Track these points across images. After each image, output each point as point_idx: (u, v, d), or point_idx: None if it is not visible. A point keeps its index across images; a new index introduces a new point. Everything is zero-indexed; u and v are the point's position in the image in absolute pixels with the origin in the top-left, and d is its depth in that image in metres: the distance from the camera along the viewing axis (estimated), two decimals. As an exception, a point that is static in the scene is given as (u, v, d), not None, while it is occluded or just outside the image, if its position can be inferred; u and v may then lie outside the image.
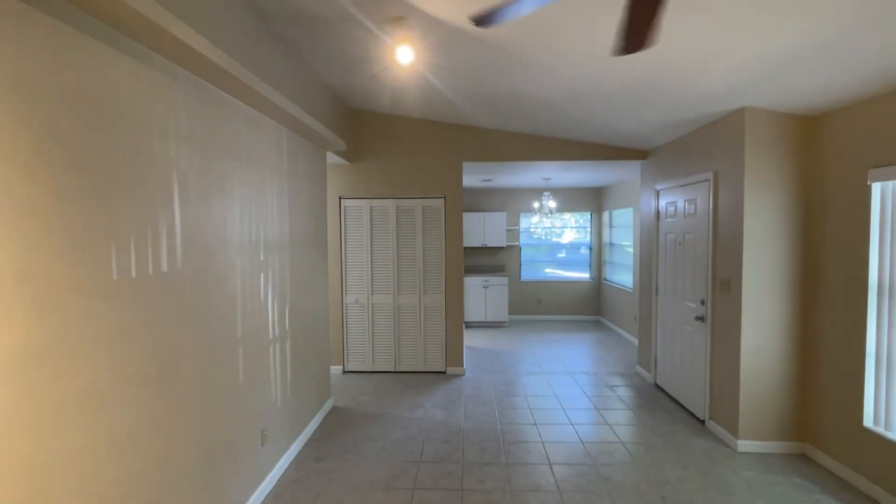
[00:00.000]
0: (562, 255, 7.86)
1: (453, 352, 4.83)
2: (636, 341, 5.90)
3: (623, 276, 6.77)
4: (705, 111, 3.20)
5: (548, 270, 7.86)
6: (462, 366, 4.83)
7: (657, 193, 4.36)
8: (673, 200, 4.05)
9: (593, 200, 7.59)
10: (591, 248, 7.71)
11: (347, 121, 4.58)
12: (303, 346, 3.25)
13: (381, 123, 4.66)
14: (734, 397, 3.12)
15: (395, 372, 4.87)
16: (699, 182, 3.57)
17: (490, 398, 4.12)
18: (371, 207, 4.78)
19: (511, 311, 7.70)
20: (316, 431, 3.44)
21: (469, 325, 7.20)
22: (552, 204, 6.19)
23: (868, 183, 2.55)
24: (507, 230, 7.64)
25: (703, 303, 3.52)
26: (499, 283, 7.11)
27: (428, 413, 3.78)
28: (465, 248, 7.55)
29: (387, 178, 4.74)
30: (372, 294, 4.82)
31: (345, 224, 4.79)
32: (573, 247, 7.83)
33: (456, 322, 4.82)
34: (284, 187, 2.97)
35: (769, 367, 3.07)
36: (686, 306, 3.79)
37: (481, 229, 7.36)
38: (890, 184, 2.46)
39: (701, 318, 3.52)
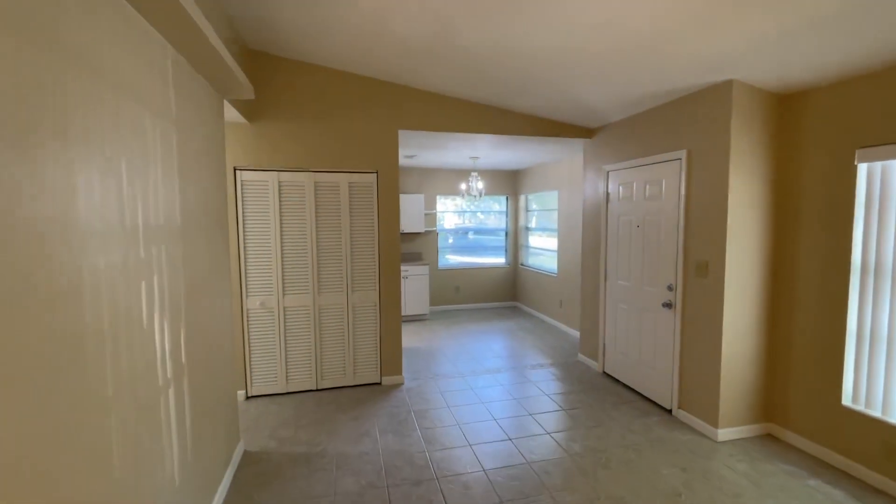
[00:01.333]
0: (471, 237, 7.52)
1: (390, 358, 4.05)
2: (564, 327, 5.82)
3: (541, 260, 6.69)
4: (685, 83, 2.95)
5: (463, 257, 7.44)
6: (401, 373, 4.09)
7: (606, 175, 4.15)
8: (628, 181, 3.85)
9: (509, 184, 7.37)
10: (507, 233, 7.51)
11: (250, 65, 3.40)
12: (204, 381, 2.19)
13: (295, 73, 3.58)
14: (712, 386, 3.01)
15: (317, 390, 3.91)
16: (666, 162, 3.38)
17: (445, 412, 3.49)
18: (280, 183, 3.69)
19: (430, 302, 7.12)
20: (227, 500, 2.41)
21: (386, 321, 6.42)
22: (481, 185, 5.72)
23: (855, 163, 2.52)
24: (425, 214, 6.99)
25: (670, 288, 3.36)
26: (419, 273, 6.45)
27: (378, 443, 2.99)
28: None
29: (302, 146, 3.68)
30: (283, 295, 3.76)
31: (243, 204, 3.62)
32: (489, 231, 7.54)
33: (393, 322, 4.05)
34: (172, 140, 1.87)
35: (744, 352, 3.01)
36: (647, 292, 3.63)
37: (401, 213, 6.56)
38: (878, 164, 2.45)
39: (668, 305, 3.37)
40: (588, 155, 4.47)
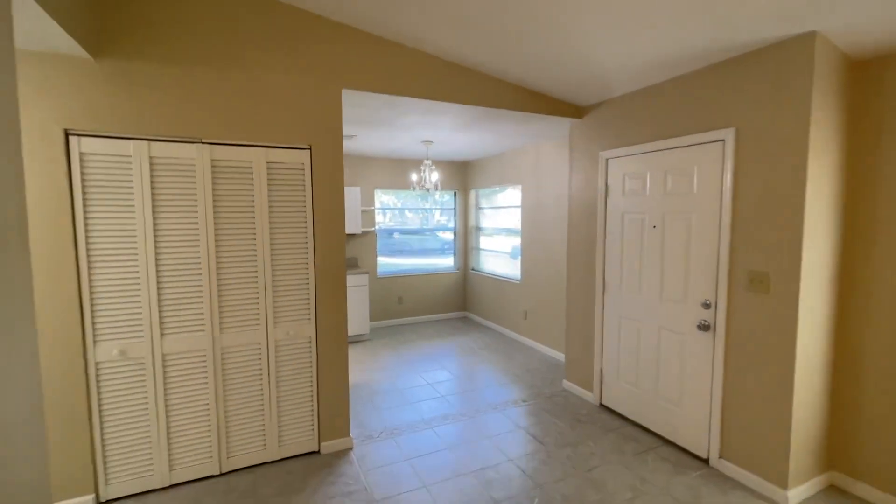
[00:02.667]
0: (409, 239, 6.47)
1: (333, 414, 2.86)
2: (530, 342, 5.02)
3: (495, 264, 5.85)
4: (751, 36, 2.21)
5: (403, 260, 6.34)
6: (348, 433, 2.92)
7: (605, 164, 3.37)
8: (637, 171, 3.09)
9: (458, 178, 6.42)
10: (455, 234, 6.56)
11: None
12: None
13: (170, -20, 2.25)
14: (777, 435, 2.32)
15: (222, 475, 2.59)
16: (699, 145, 2.65)
17: (423, 495, 2.41)
18: (152, 159, 2.32)
19: (371, 317, 5.92)
20: None
21: (315, 346, 5.12)
22: (436, 176, 4.68)
23: (976, 145, 1.94)
24: (362, 211, 5.77)
25: (707, 305, 2.64)
26: (357, 284, 5.23)
27: (330, 582, 1.83)
28: None
29: (192, 103, 2.36)
30: (161, 336, 2.40)
31: (84, 192, 2.20)
32: (433, 231, 6.53)
33: (337, 362, 2.87)
34: None
35: (817, 390, 2.36)
36: (669, 308, 2.90)
37: (326, 210, 5.29)
38: None
39: (705, 327, 2.65)
40: (577, 140, 3.66)
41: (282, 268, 2.67)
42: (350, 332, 5.21)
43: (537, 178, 4.89)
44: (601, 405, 3.51)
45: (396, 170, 5.95)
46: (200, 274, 2.46)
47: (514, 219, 5.53)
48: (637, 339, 3.16)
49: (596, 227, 3.47)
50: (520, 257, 5.30)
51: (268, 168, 2.58)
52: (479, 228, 6.33)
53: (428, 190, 4.66)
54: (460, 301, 6.59)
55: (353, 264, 5.76)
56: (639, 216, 3.10)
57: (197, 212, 2.43)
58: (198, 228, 2.44)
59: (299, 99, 2.61)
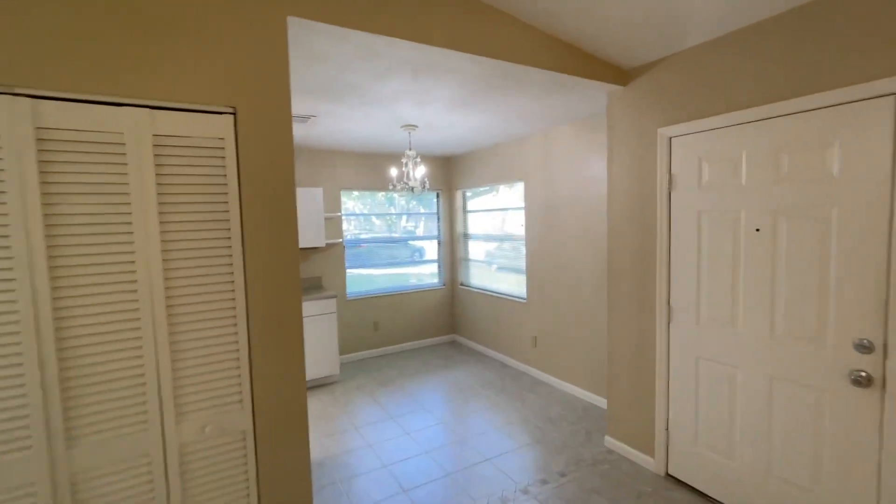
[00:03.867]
0: (381, 249, 5.37)
1: (287, 553, 1.74)
2: (543, 375, 4.04)
3: (490, 279, 4.86)
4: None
5: (374, 271, 5.23)
6: (313, 578, 1.81)
7: (667, 144, 2.44)
8: (726, 152, 2.18)
9: (441, 176, 5.39)
10: (440, 243, 5.52)
11: None
12: None
13: None
14: None
15: None
16: (852, 103, 1.75)
17: None
18: None
19: (340, 350, 4.76)
20: None
21: (268, 395, 3.92)
22: (422, 171, 3.63)
23: None
24: (326, 218, 4.62)
25: (866, 347, 1.73)
26: (322, 312, 4.08)
27: None
28: None
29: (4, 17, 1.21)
30: (-66, 467, 1.22)
31: None
32: (413, 241, 5.46)
33: (294, 468, 1.75)
34: None
35: None
36: (794, 350, 1.98)
37: (279, 218, 4.12)
38: None
39: (863, 380, 1.73)
40: (619, 115, 2.72)
41: (187, 314, 1.54)
42: (314, 375, 4.05)
43: (547, 173, 3.94)
44: (668, 475, 2.56)
45: (368, 166, 4.86)
46: (16, 338, 1.30)
47: (513, 223, 4.56)
48: (730, 390, 2.23)
49: (654, 233, 2.52)
50: (525, 271, 4.32)
51: (156, 144, 1.46)
52: (467, 236, 5.32)
53: (412, 189, 3.60)
54: (448, 322, 5.54)
55: (315, 286, 4.60)
56: (728, 215, 2.18)
57: (10, 222, 1.28)
58: (12, 252, 1.29)
59: (214, 30, 1.52)
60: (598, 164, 3.41)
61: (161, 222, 1.48)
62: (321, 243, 4.33)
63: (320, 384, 4.15)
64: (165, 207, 1.49)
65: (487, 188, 4.94)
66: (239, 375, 1.63)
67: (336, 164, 4.70)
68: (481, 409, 3.57)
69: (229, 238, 1.60)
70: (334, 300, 4.13)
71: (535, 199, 4.10)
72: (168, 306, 1.50)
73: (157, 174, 1.47)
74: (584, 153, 3.53)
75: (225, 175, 1.58)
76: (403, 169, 3.59)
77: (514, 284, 4.58)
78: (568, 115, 3.40)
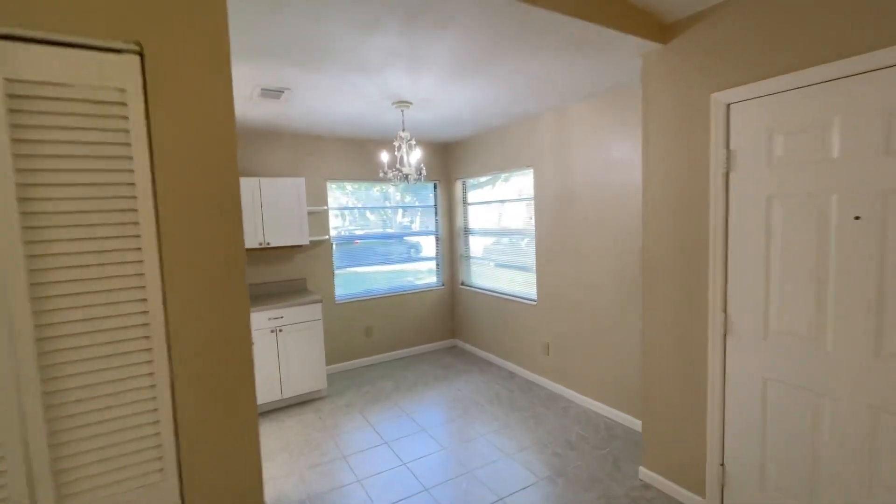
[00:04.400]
0: (374, 246, 4.87)
1: None
2: (557, 387, 3.57)
3: (495, 277, 4.37)
4: None
5: (368, 269, 4.73)
6: None
7: (725, 112, 1.94)
8: (808, 119, 1.69)
9: (438, 164, 4.89)
10: (438, 239, 5.02)
11: None
12: None
13: None
14: None
15: None
16: None
17: None
18: None
19: (326, 359, 4.28)
20: None
21: (244, 415, 3.43)
22: (418, 155, 3.12)
23: None
24: (309, 212, 4.11)
25: None
26: (306, 319, 3.58)
27: None
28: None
29: None
30: None
31: None
32: (409, 237, 4.95)
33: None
34: None
35: None
36: (905, 377, 1.51)
37: (256, 212, 3.60)
38: None
39: None
40: (658, 80, 2.23)
41: (71, 348, 1.05)
42: (296, 391, 3.56)
43: (561, 158, 3.45)
44: (724, 521, 2.09)
45: (358, 153, 4.35)
46: None
47: (520, 216, 4.07)
48: (812, 421, 1.76)
49: (706, 224, 2.04)
50: (535, 270, 3.84)
51: (10, 94, 0.96)
52: (469, 230, 4.83)
53: (407, 177, 3.10)
54: (448, 326, 5.06)
55: (299, 289, 4.10)
56: (812, 200, 1.70)
57: None
58: None
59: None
60: (624, 146, 2.93)
61: (23, 215, 0.98)
62: (304, 241, 3.82)
63: (304, 401, 3.66)
64: (31, 193, 0.99)
65: (491, 177, 4.45)
66: (158, 433, 1.14)
67: (322, 150, 4.18)
68: (489, 431, 3.09)
69: (138, 237, 1.10)
70: (319, 305, 3.63)
71: (547, 187, 3.61)
72: (39, 339, 1.01)
73: (12, 141, 0.96)
74: (607, 133, 3.04)
75: (129, 145, 1.08)
76: (396, 154, 3.09)
77: (521, 284, 4.10)
78: (588, 88, 2.90)
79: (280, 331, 3.46)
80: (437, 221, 4.99)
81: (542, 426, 3.12)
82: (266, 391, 3.43)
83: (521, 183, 4.03)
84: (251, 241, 3.59)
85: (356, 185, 4.49)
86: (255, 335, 3.36)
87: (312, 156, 4.13)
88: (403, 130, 3.05)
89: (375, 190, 4.61)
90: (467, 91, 2.85)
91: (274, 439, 3.06)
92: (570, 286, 3.46)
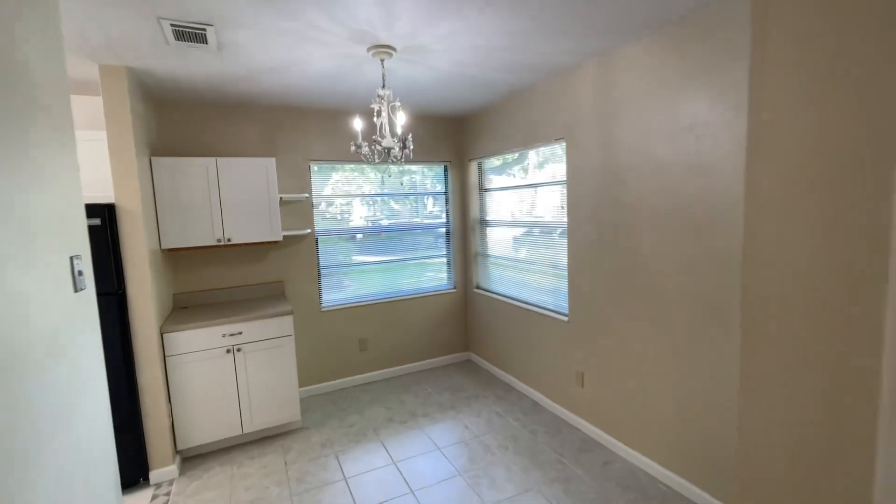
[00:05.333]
0: (371, 243, 4.06)
1: None
2: (592, 430, 2.69)
3: (509, 283, 3.50)
4: None
5: (367, 270, 3.95)
6: None
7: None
8: None
9: (449, 142, 4.03)
10: (448, 233, 4.19)
11: None
12: None
13: None
14: None
15: None
16: None
17: None
18: None
19: (307, 379, 3.57)
20: None
21: (195, 457, 2.75)
22: (402, 121, 2.28)
23: None
24: (285, 202, 3.37)
25: None
26: (271, 335, 2.85)
27: None
28: (175, 250, 2.93)
29: None
30: None
31: None
32: (413, 230, 4.13)
33: None
34: None
35: None
36: None
37: (213, 200, 2.88)
38: None
39: None
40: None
41: None
42: (261, 426, 2.86)
43: (605, 125, 2.52)
44: None
45: (345, 128, 3.55)
46: None
47: (549, 204, 3.17)
48: None
49: (886, 233, 1.10)
50: (567, 273, 2.95)
51: None
52: (486, 223, 3.96)
53: (388, 153, 2.26)
54: (460, 337, 4.24)
55: (274, 294, 3.38)
56: None
57: None
58: None
59: None
60: (702, 107, 1.98)
61: None
62: (274, 236, 3.08)
63: (273, 435, 2.96)
64: None
65: (514, 157, 3.55)
66: None
67: (301, 126, 3.41)
68: (506, 499, 2.27)
69: None
70: (290, 318, 2.89)
71: (584, 165, 2.69)
72: None
73: None
74: (675, 87, 2.10)
75: None
76: (376, 120, 2.26)
77: (549, 293, 3.21)
78: (649, 14, 1.96)
79: (238, 350, 2.75)
80: (447, 212, 4.14)
81: (575, 490, 2.27)
82: (221, 426, 2.74)
83: (550, 161, 3.13)
84: (206, 237, 2.88)
85: (353, 168, 3.70)
86: (203, 356, 2.67)
87: (289, 132, 3.37)
88: (384, 87, 2.21)
89: (372, 174, 3.81)
90: (467, 28, 1.97)
91: (219, 497, 2.36)
92: (614, 301, 2.56)
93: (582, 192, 2.73)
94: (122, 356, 2.33)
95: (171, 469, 2.52)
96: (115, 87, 2.27)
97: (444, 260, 4.19)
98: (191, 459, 2.72)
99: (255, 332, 2.79)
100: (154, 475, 2.48)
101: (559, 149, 2.97)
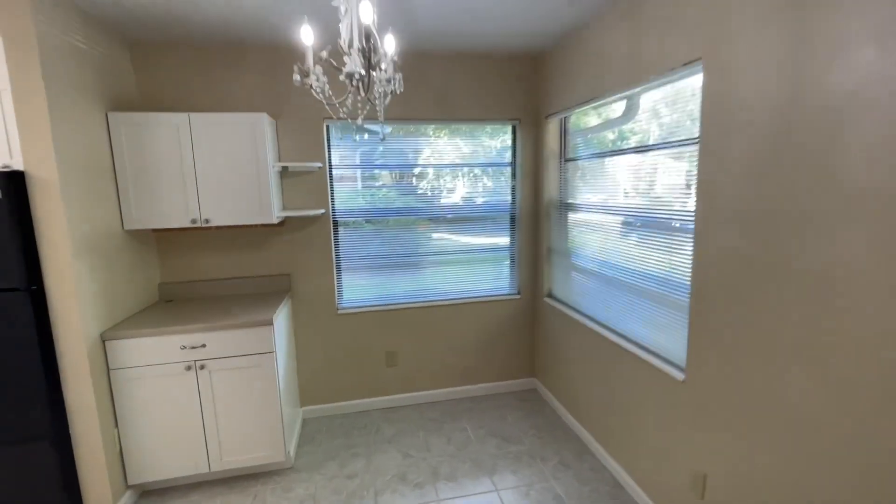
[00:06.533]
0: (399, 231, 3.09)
1: None
2: None
3: (599, 299, 2.30)
4: None
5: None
6: None
7: None
8: None
9: (518, 92, 2.88)
10: (513, 218, 3.09)
11: None
12: None
13: None
14: None
15: None
16: None
17: None
18: None
19: (317, 396, 2.87)
20: None
21: (155, 491, 2.20)
22: (391, 47, 1.29)
23: None
24: (291, 173, 2.62)
25: None
26: (243, 351, 2.14)
27: None
28: (159, 231, 2.32)
29: None
30: None
31: None
32: (466, 213, 3.10)
33: None
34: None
35: None
36: None
37: (185, 170, 2.23)
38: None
39: None
40: None
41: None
42: (232, 465, 2.21)
43: (792, 20, 1.22)
44: None
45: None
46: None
47: (672, 180, 1.92)
48: None
49: None
50: (690, 287, 1.72)
51: None
52: (569, 207, 2.78)
53: (360, 89, 1.29)
54: (522, 358, 3.18)
55: (278, 290, 2.68)
56: None
57: None
58: None
59: None
60: None
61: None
62: (265, 218, 2.35)
63: (248, 475, 2.28)
64: None
65: (612, 109, 2.32)
66: None
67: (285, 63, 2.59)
68: None
69: None
70: (268, 329, 2.15)
71: (741, 105, 1.42)
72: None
73: None
74: None
75: None
76: (343, 39, 1.28)
77: (660, 328, 1.99)
78: None
79: (201, 367, 2.10)
80: (514, 189, 3.05)
81: None
82: (183, 461, 2.14)
83: (671, 109, 1.86)
84: (179, 217, 2.25)
85: (401, 128, 2.81)
86: (157, 372, 2.06)
87: (274, 78, 2.57)
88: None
89: (408, 138, 2.87)
90: None
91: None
92: (776, 359, 1.31)
93: (731, 156, 1.46)
94: (41, 369, 1.79)
95: (114, 510, 1.98)
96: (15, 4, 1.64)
97: (507, 255, 3.12)
98: (149, 495, 2.18)
99: (224, 345, 2.11)
100: (90, 516, 1.97)
101: (687, 85, 1.70)
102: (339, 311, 2.84)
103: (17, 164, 1.75)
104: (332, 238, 2.78)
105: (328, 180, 2.71)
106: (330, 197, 2.73)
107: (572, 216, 2.71)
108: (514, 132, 2.98)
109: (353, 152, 2.79)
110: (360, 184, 2.84)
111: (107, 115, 2.12)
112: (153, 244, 2.51)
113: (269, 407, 2.20)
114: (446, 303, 2.99)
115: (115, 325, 2.09)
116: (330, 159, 2.72)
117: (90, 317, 1.91)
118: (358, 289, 2.91)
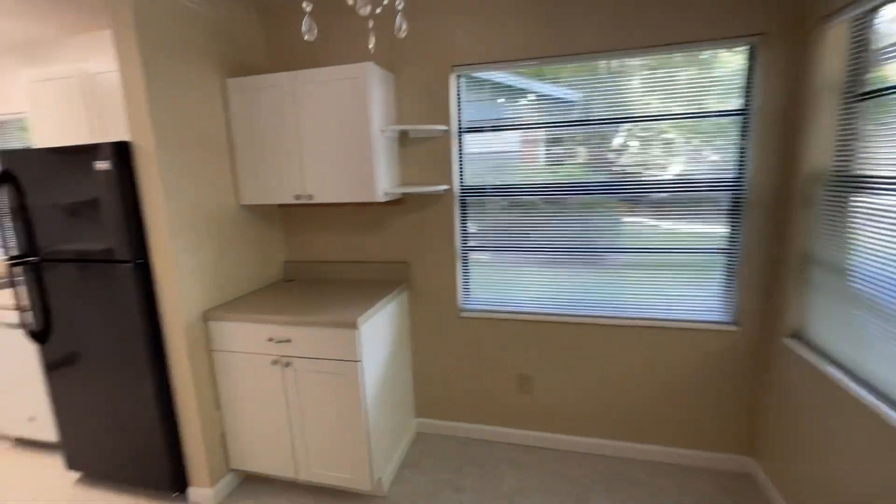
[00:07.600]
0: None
1: None
2: None
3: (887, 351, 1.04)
4: None
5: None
6: None
7: None
8: None
9: (773, -12, 1.67)
10: (740, 204, 1.90)
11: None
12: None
13: None
14: None
15: None
16: None
17: None
18: None
19: (432, 410, 2.41)
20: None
21: (257, 479, 2.11)
22: None
23: None
24: (410, 140, 2.12)
25: None
26: (328, 355, 1.79)
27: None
28: (286, 206, 2.18)
29: None
30: None
31: None
32: (655, 194, 2.04)
33: None
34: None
35: None
36: None
37: (289, 139, 1.97)
38: None
39: None
40: None
41: None
42: (315, 477, 1.95)
43: None
44: None
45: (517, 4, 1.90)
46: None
47: None
48: None
49: None
50: None
51: None
52: (852, 181, 1.49)
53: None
54: (735, 423, 2.01)
55: (393, 280, 2.27)
56: None
57: None
58: None
59: None
60: None
61: None
62: (369, 195, 1.92)
63: (332, 489, 1.97)
64: None
65: None
66: None
67: (446, 3, 2.00)
68: None
69: None
70: (353, 333, 1.73)
71: None
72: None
73: None
74: None
75: None
76: None
77: None
78: None
79: (287, 364, 1.84)
80: (744, 156, 1.85)
81: None
82: (275, 458, 1.97)
83: None
84: (284, 193, 2.03)
85: (557, 74, 2.04)
86: (248, 360, 1.89)
87: (419, 19, 2.01)
88: None
89: (568, 92, 2.00)
90: None
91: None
92: None
93: None
94: (146, 346, 1.80)
95: (212, 491, 1.94)
96: (114, -34, 1.55)
97: (719, 262, 1.97)
98: (250, 482, 2.10)
99: (307, 343, 1.80)
100: (194, 493, 1.96)
101: None
102: (462, 314, 2.27)
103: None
104: (458, 221, 2.20)
105: (452, 147, 2.12)
106: (451, 169, 2.14)
107: (863, 201, 1.43)
108: (750, 56, 1.78)
109: (490, 110, 2.11)
110: (494, 152, 2.15)
111: (226, 83, 2.00)
112: (278, 220, 2.42)
113: (352, 425, 1.82)
114: (611, 322, 2.08)
115: (225, 303, 2.01)
116: (460, 120, 2.12)
117: (192, 294, 1.83)
118: (488, 288, 2.28)
